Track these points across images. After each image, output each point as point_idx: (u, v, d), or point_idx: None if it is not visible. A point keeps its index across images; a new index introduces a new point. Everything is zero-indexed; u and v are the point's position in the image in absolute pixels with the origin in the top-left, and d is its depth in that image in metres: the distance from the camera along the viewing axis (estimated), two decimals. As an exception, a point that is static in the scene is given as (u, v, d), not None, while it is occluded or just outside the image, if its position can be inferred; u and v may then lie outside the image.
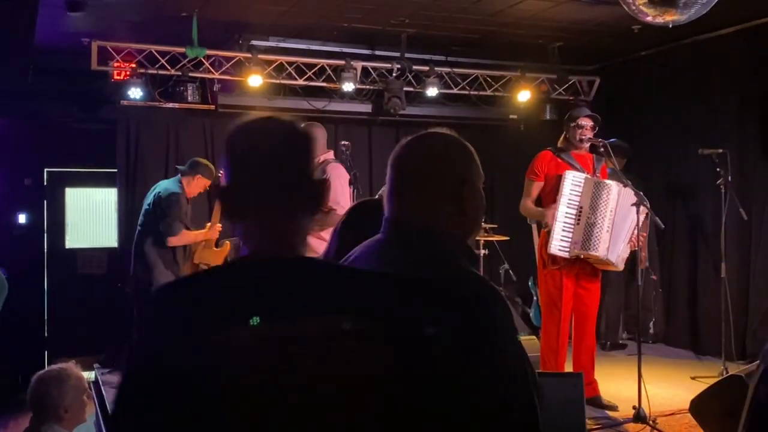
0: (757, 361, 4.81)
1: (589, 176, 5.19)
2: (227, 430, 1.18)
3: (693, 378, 5.95)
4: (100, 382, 5.92)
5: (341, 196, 4.90)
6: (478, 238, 6.80)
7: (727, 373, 5.35)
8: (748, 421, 1.62)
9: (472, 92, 7.89)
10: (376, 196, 4.52)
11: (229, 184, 1.42)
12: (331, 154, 5.37)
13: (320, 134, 5.08)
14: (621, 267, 5.32)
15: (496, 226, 7.07)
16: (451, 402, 1.35)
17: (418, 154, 1.63)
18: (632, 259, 5.43)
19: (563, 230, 5.12)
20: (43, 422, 3.24)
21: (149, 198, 6.05)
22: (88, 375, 6.64)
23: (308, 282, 1.32)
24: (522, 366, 1.41)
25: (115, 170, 7.34)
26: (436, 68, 7.54)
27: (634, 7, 4.14)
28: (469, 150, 1.65)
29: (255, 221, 1.39)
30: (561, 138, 5.39)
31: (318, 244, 4.29)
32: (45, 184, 7.91)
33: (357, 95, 7.70)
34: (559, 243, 5.12)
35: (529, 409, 1.39)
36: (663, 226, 5.33)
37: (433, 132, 1.67)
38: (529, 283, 7.39)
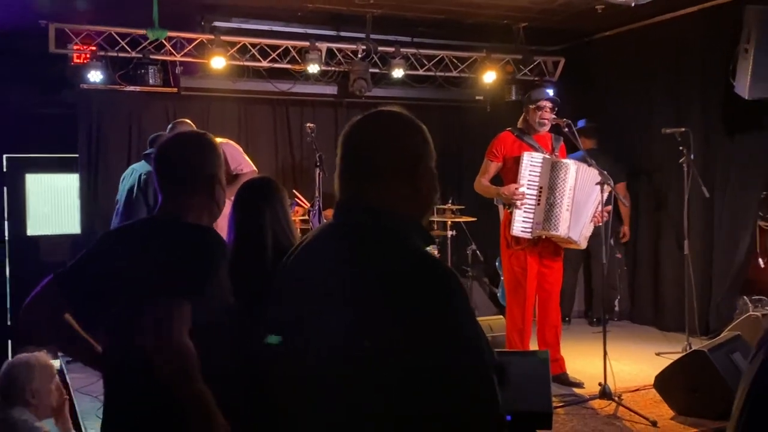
0: (723, 335, 4.87)
1: (546, 156, 5.21)
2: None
3: (657, 354, 6.04)
4: (65, 370, 5.85)
5: (243, 163, 5.54)
6: (445, 219, 6.82)
7: (691, 348, 5.44)
8: (748, 413, 1.58)
9: (438, 73, 7.87)
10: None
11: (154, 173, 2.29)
12: None
13: (188, 128, 5.46)
14: (584, 245, 5.37)
15: (463, 207, 7.09)
16: (405, 381, 1.36)
17: (369, 133, 1.59)
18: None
19: (525, 211, 5.15)
20: (11, 406, 3.24)
21: (130, 181, 5.84)
22: (54, 363, 6.55)
23: (157, 236, 2.16)
24: (478, 347, 1.40)
25: (77, 155, 7.20)
26: (401, 49, 7.51)
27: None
28: (421, 128, 1.61)
29: (162, 197, 2.24)
30: (521, 119, 5.41)
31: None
32: (4, 170, 7.74)
33: (322, 77, 7.64)
34: (521, 224, 5.15)
35: (487, 387, 1.38)
36: (627, 205, 5.38)
37: (384, 110, 1.63)
38: (497, 264, 7.42)
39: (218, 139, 5.68)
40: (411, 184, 1.56)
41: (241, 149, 5.71)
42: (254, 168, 5.64)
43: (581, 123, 7.11)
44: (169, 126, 5.71)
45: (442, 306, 1.39)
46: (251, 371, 2.51)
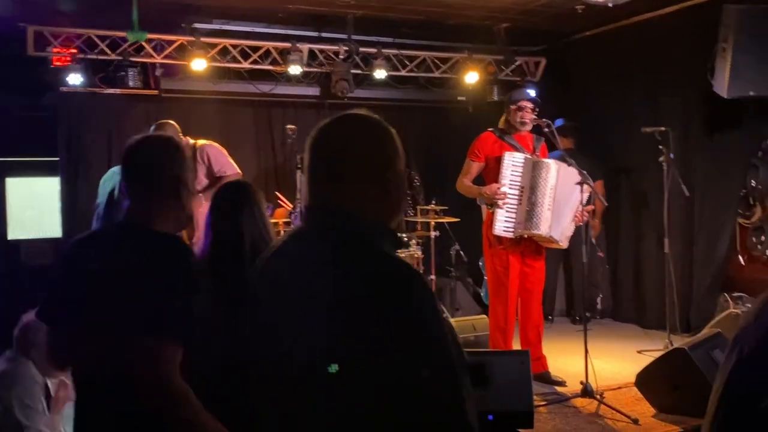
0: (704, 333, 4.89)
1: (528, 156, 5.24)
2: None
3: (639, 352, 6.08)
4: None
5: (227, 165, 5.58)
6: (429, 219, 6.82)
7: (672, 345, 5.48)
8: (723, 413, 1.59)
9: (420, 74, 7.88)
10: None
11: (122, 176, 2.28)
12: (188, 139, 5.67)
13: (171, 130, 5.53)
14: (565, 245, 5.39)
15: (446, 207, 7.09)
16: (376, 385, 1.37)
17: (337, 136, 1.58)
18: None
19: (507, 211, 5.18)
20: (20, 356, 3.58)
21: (111, 184, 5.78)
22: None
23: (127, 241, 2.15)
24: (444, 349, 1.41)
25: (57, 159, 7.15)
26: (383, 50, 7.51)
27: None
28: (389, 130, 1.62)
29: (130, 201, 2.22)
30: (502, 119, 5.44)
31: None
32: (-16, 174, 7.68)
33: (304, 78, 7.63)
34: (503, 224, 5.17)
35: (452, 389, 1.39)
36: (606, 204, 5.41)
37: (351, 113, 1.63)
38: (480, 263, 7.44)
39: (202, 141, 5.71)
40: (380, 187, 1.56)
41: (225, 151, 5.71)
42: (238, 170, 5.63)
43: (559, 122, 7.14)
44: (152, 127, 5.69)
45: (406, 309, 1.40)
46: (235, 376, 2.50)
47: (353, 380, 1.39)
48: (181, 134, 5.67)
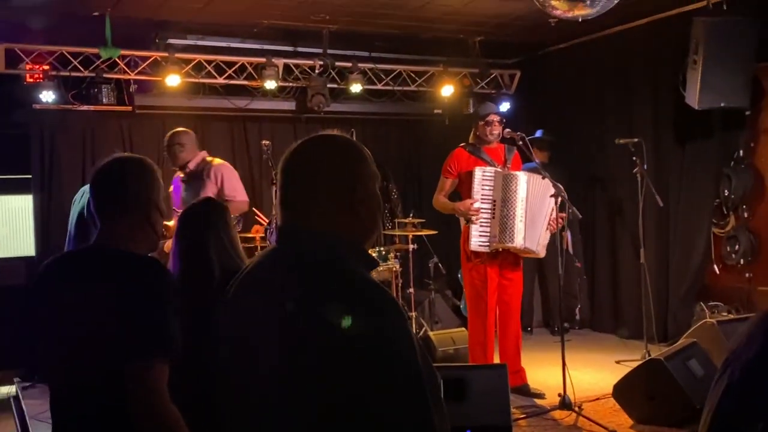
0: (680, 342, 4.91)
1: (498, 169, 5.28)
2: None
3: (617, 362, 6.10)
4: (20, 397, 5.70)
5: (238, 190, 5.46)
6: (407, 233, 6.82)
7: (650, 355, 5.51)
8: None
9: (396, 88, 7.91)
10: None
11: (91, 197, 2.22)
12: (205, 154, 5.59)
13: (187, 139, 5.46)
14: (543, 254, 5.43)
15: (424, 220, 7.10)
16: (343, 407, 1.37)
17: (307, 159, 1.59)
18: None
19: (481, 226, 5.21)
20: None
21: (81, 204, 5.68)
22: (9, 389, 6.38)
23: (99, 263, 2.11)
24: (415, 371, 1.40)
25: (30, 176, 7.07)
26: (359, 64, 7.53)
27: (545, 3, 4.20)
28: (359, 151, 1.62)
29: (100, 223, 2.18)
30: (471, 134, 5.49)
31: None
32: (-45, 192, 7.56)
33: (280, 93, 7.62)
34: (478, 239, 5.20)
35: (420, 409, 1.39)
36: (581, 216, 5.44)
37: (322, 135, 1.64)
38: (459, 276, 7.44)
39: (218, 161, 5.59)
40: (350, 208, 1.56)
41: (237, 175, 5.60)
42: (246, 198, 5.53)
43: (539, 133, 7.23)
44: (167, 138, 5.53)
45: (377, 330, 1.39)
46: (203, 403, 2.48)
47: (321, 400, 1.39)
48: (196, 146, 5.56)
